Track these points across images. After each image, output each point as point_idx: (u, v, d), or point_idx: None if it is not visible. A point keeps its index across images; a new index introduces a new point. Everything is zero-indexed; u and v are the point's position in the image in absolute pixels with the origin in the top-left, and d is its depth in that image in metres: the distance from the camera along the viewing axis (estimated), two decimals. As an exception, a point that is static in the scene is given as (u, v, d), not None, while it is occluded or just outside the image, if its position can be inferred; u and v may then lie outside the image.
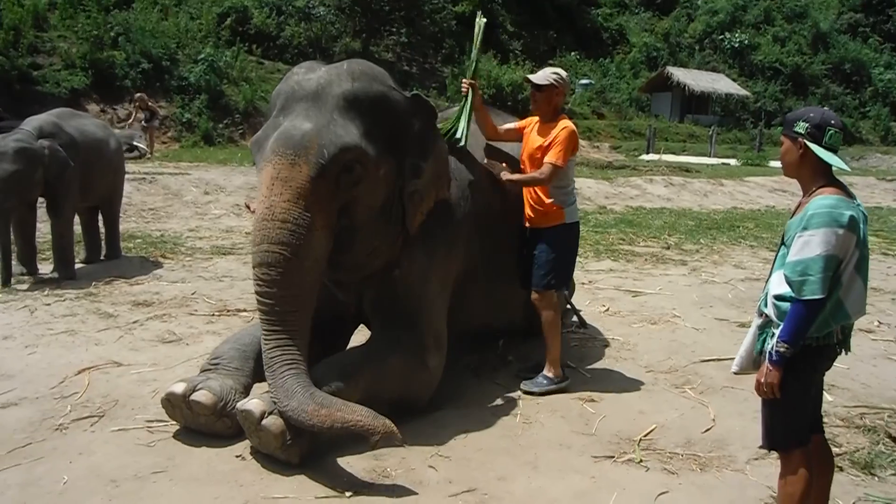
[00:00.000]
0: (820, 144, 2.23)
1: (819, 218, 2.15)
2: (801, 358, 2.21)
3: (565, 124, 3.76)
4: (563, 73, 3.87)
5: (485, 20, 4.20)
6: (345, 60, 3.30)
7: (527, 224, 3.92)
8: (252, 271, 2.94)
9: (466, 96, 3.88)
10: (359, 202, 3.07)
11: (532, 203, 3.86)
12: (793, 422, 2.31)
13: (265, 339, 2.90)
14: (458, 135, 3.78)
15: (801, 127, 2.26)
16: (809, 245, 2.15)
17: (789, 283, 2.19)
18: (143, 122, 14.47)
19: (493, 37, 27.91)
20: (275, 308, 2.88)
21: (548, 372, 3.87)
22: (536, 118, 3.91)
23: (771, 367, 2.22)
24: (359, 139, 3.01)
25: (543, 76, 3.83)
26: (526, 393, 3.81)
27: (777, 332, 2.22)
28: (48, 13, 19.52)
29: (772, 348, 2.22)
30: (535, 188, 3.82)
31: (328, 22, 25.56)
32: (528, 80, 3.90)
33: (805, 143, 2.24)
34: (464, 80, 3.98)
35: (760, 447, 2.47)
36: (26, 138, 5.64)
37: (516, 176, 3.84)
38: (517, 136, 4.03)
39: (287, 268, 2.84)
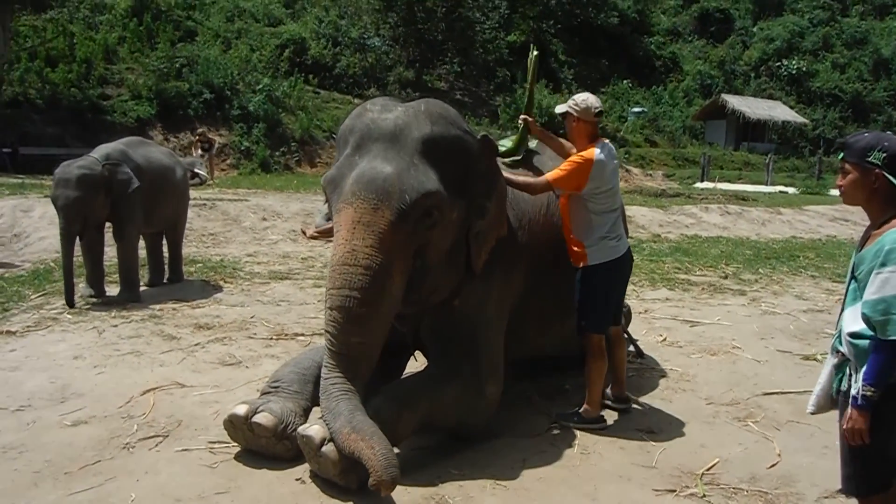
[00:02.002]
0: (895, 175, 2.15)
1: None
2: (887, 399, 2.11)
3: (586, 151, 3.55)
4: (580, 98, 3.65)
5: (536, 53, 4.22)
6: (420, 100, 3.31)
7: None
8: (327, 312, 2.94)
9: (520, 129, 3.99)
10: (431, 245, 3.09)
11: (566, 237, 3.72)
12: (876, 467, 2.20)
13: (327, 372, 2.93)
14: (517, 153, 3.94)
15: (876, 157, 2.15)
16: (890, 282, 2.05)
17: (870, 322, 2.09)
18: (200, 152, 15.03)
19: (546, 65, 28.06)
20: (345, 352, 2.91)
21: (582, 411, 3.74)
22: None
23: (857, 413, 2.12)
24: (438, 184, 3.01)
25: (563, 105, 3.74)
26: (557, 419, 3.76)
27: (860, 373, 2.12)
28: (118, 47, 20.44)
29: (857, 392, 2.12)
30: (564, 220, 3.70)
31: (382, 52, 26.13)
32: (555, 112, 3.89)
33: (883, 174, 2.15)
34: (521, 116, 4.04)
35: (839, 491, 2.38)
36: (89, 164, 5.88)
37: (513, 176, 3.63)
38: None
39: (366, 315, 2.86)
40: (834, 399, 2.29)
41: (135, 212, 6.21)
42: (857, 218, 14.35)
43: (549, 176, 3.54)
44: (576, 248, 3.64)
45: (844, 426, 2.17)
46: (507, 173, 3.56)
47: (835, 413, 2.30)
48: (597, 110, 3.63)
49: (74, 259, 5.84)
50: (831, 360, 2.31)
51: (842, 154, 2.27)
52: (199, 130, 16.18)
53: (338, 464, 2.81)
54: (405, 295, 3.06)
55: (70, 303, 5.78)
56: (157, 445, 3.35)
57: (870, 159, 2.17)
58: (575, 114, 3.60)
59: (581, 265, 3.63)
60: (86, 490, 2.89)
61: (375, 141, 3.07)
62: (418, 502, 2.84)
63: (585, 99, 3.64)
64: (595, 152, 3.53)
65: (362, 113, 3.24)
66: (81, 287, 6.31)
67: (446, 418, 3.29)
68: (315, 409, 3.39)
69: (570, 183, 3.53)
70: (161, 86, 18.68)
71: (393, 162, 2.98)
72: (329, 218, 3.46)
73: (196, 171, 13.66)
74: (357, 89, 24.31)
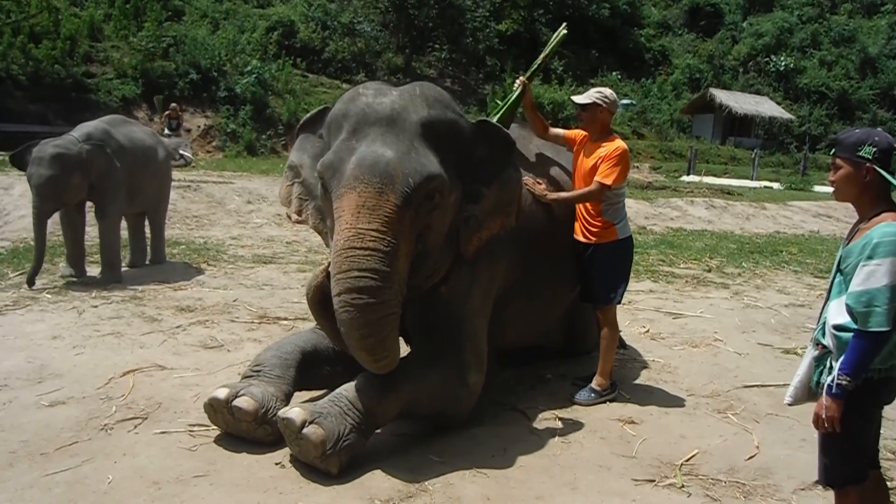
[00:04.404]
0: (887, 170, 2.17)
1: (885, 247, 2.08)
2: (864, 391, 2.14)
3: (617, 144, 3.80)
4: (608, 92, 3.92)
5: (565, 32, 4.34)
6: (414, 84, 3.29)
7: (582, 240, 3.93)
8: (337, 300, 2.86)
9: (516, 91, 4.03)
10: (432, 228, 3.08)
11: (585, 220, 3.89)
12: (852, 458, 2.24)
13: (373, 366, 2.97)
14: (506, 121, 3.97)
15: (867, 152, 2.17)
16: (875, 275, 2.08)
17: (853, 313, 2.12)
18: (168, 131, 14.76)
19: (536, 55, 27.92)
20: (367, 333, 2.85)
21: (595, 384, 3.94)
22: (585, 134, 3.94)
23: (831, 401, 2.15)
24: (439, 168, 3.00)
25: (587, 95, 3.92)
26: (575, 403, 3.88)
27: (837, 363, 2.16)
28: (103, 24, 20.13)
29: (832, 380, 2.15)
30: (587, 206, 3.86)
31: (372, 38, 25.90)
32: (573, 101, 4.00)
33: (874, 169, 2.17)
34: (520, 77, 4.11)
35: (816, 482, 2.41)
36: (65, 143, 5.78)
37: (562, 195, 3.87)
38: (564, 143, 4.11)
39: (377, 292, 2.82)
40: (812, 391, 2.31)
41: (117, 192, 6.12)
42: (841, 214, 14.48)
43: (605, 180, 3.73)
44: (605, 227, 3.86)
45: (817, 413, 2.19)
46: (551, 195, 3.78)
47: (813, 405, 2.32)
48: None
49: (56, 238, 5.75)
50: (811, 353, 2.33)
51: (833, 150, 2.29)
52: (172, 105, 15.84)
53: (319, 446, 2.80)
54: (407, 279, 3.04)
55: (30, 282, 5.68)
56: (135, 427, 3.32)
57: (861, 154, 2.19)
58: (605, 105, 3.85)
59: (612, 240, 3.88)
60: (62, 471, 2.86)
61: (372, 125, 3.02)
62: (398, 488, 2.83)
63: (612, 94, 3.93)
64: (622, 142, 3.83)
65: (355, 97, 3.18)
66: (62, 266, 6.25)
67: (428, 405, 3.28)
68: (297, 394, 3.39)
69: (622, 178, 3.80)
70: (147, 65, 18.43)
71: (393, 146, 2.95)
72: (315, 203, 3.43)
73: (181, 152, 13.54)
74: (346, 74, 24.13)
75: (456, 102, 3.42)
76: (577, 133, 4.02)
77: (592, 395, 3.91)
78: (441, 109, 3.16)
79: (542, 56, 4.34)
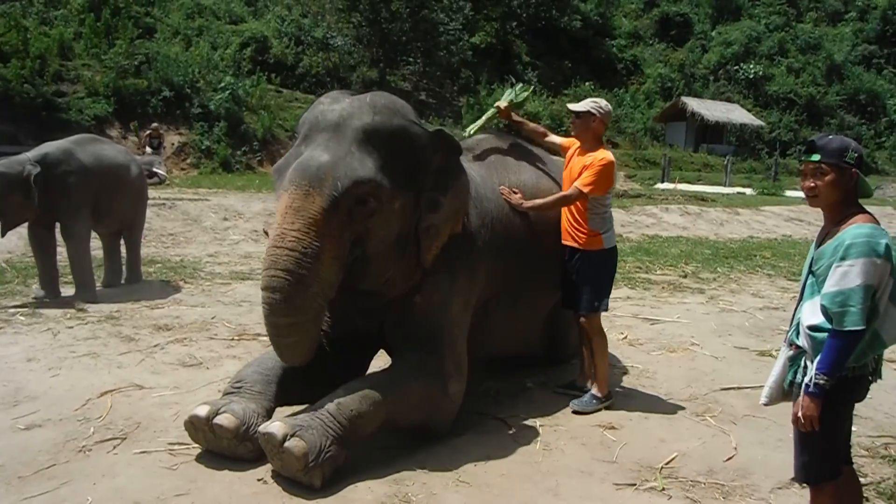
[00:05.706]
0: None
1: (857, 248, 2.13)
2: (838, 389, 2.19)
3: (603, 155, 3.87)
4: (603, 103, 4.01)
5: (526, 94, 4.51)
6: (370, 92, 3.36)
7: (570, 244, 3.99)
8: (261, 295, 3.00)
9: (488, 112, 4.27)
10: (372, 234, 3.12)
11: (571, 228, 3.95)
12: (828, 455, 2.29)
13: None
14: (467, 132, 4.25)
15: (851, 157, 2.23)
16: (849, 275, 2.13)
17: (828, 314, 2.17)
18: (149, 149, 14.71)
19: (509, 67, 28.22)
20: (278, 333, 3.01)
21: (596, 392, 3.98)
22: (578, 143, 4.02)
23: (810, 400, 2.19)
24: (374, 173, 3.05)
25: (582, 104, 4.00)
26: (576, 413, 3.90)
27: (813, 363, 2.20)
28: (74, 43, 19.94)
29: (810, 380, 2.19)
30: (573, 213, 3.91)
31: (346, 52, 25.92)
32: (568, 108, 4.10)
33: (857, 174, 2.23)
34: (499, 103, 4.31)
35: (792, 479, 2.46)
36: (11, 163, 5.72)
37: (537, 201, 3.90)
38: (559, 150, 4.26)
39: (290, 294, 2.90)
40: (787, 391, 2.36)
41: (77, 211, 6.03)
42: (812, 218, 14.73)
43: (582, 187, 3.79)
44: (592, 235, 3.91)
45: (796, 413, 2.23)
46: (526, 204, 3.83)
47: (789, 406, 2.37)
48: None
49: (29, 259, 5.68)
50: (785, 353, 2.37)
51: (815, 156, 2.26)
52: (154, 125, 15.81)
53: (301, 459, 2.80)
54: (349, 282, 3.14)
55: None
56: (114, 448, 3.29)
57: (846, 159, 2.23)
58: (599, 115, 3.93)
59: (597, 248, 3.92)
60: (40, 494, 2.82)
61: (322, 131, 3.15)
62: (381, 500, 2.84)
63: (607, 105, 4.02)
64: (611, 154, 3.88)
65: (315, 106, 3.35)
66: (34, 289, 6.17)
67: (409, 416, 3.29)
68: (278, 409, 3.38)
69: (602, 187, 3.84)
70: (119, 83, 18.26)
71: (331, 151, 3.05)
72: None
73: (154, 170, 13.42)
74: (320, 89, 24.07)
75: (428, 117, 3.48)
76: (572, 141, 4.12)
77: (594, 401, 3.95)
78: (387, 116, 3.22)
79: (489, 113, 4.47)
